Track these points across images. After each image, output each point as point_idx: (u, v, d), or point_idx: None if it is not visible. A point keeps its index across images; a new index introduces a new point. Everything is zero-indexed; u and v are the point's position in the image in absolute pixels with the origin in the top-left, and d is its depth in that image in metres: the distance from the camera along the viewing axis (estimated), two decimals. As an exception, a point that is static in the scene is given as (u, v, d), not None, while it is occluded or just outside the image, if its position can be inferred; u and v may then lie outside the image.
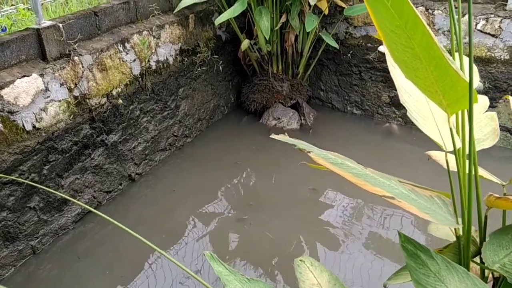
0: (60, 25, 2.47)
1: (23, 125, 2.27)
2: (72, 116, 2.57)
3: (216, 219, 2.89)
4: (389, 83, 4.09)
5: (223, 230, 2.79)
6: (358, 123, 4.33)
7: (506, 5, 3.22)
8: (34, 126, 2.33)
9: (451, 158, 1.07)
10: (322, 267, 1.13)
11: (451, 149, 1.04)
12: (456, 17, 0.90)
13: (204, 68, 3.78)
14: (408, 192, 0.94)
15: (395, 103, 4.14)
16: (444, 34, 3.54)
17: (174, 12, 3.30)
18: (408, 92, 1.21)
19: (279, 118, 4.15)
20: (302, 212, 2.89)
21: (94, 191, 2.85)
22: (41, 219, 2.46)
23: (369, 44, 4.00)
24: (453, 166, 1.04)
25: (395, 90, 3.98)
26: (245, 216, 2.86)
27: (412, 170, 3.27)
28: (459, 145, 0.98)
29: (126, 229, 0.85)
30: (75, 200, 1.07)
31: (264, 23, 3.50)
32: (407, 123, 4.14)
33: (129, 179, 3.15)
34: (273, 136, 1.03)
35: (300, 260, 1.18)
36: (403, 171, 3.28)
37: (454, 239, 1.01)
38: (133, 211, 2.92)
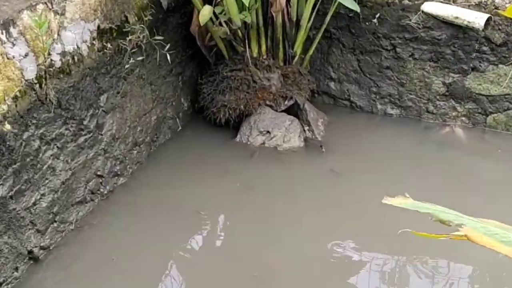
0: None
1: None
2: None
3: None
4: (443, 61, 4.49)
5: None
6: (396, 130, 4.70)
7: None
8: None
9: None
10: None
11: None
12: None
13: (138, 58, 4.00)
14: None
15: (456, 93, 4.54)
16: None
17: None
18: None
19: (268, 132, 4.46)
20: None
21: (-30, 287, 3.02)
22: None
23: (406, 1, 4.43)
24: None
25: (455, 71, 4.46)
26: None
27: (503, 204, 3.67)
28: None
29: None
30: None
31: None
32: (478, 124, 4.58)
33: (30, 259, 3.27)
34: (386, 201, 1.28)
35: None
36: (489, 206, 3.59)
37: None
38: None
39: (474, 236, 1.12)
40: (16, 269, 3.25)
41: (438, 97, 4.61)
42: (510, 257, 1.06)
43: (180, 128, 4.72)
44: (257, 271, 3.35)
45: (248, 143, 4.47)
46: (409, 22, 4.46)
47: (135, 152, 4.20)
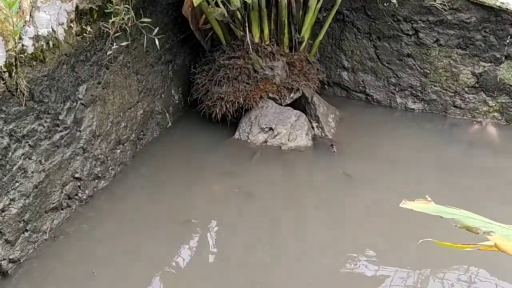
0: None
1: None
2: None
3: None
4: (472, 48, 4.39)
5: None
6: (418, 127, 4.60)
7: None
8: None
9: None
10: None
11: None
12: None
13: (122, 43, 3.91)
14: None
15: (487, 85, 4.44)
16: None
17: None
18: None
19: (271, 129, 4.38)
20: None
21: None
22: None
23: (430, -21, 4.33)
24: None
25: (486, 60, 4.41)
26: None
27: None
28: None
29: None
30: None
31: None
32: (511, 121, 4.50)
33: None
34: (404, 205, 1.26)
35: None
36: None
37: None
38: None
39: (505, 245, 1.08)
40: (-20, 285, 3.19)
41: (466, 89, 4.54)
42: None
43: (170, 124, 4.65)
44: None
45: (248, 141, 4.39)
46: (433, 3, 4.37)
47: (118, 151, 4.12)
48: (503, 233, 1.11)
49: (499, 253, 1.09)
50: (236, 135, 4.47)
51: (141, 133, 4.39)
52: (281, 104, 4.51)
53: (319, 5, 4.43)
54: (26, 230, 3.43)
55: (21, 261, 3.39)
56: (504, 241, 1.09)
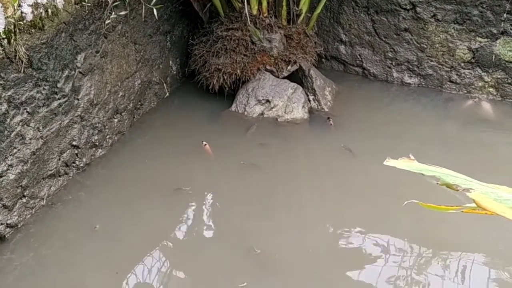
0: None
1: None
2: None
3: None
4: (469, 23, 4.40)
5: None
6: (414, 101, 4.64)
7: None
8: None
9: None
10: None
11: None
12: None
13: (121, 12, 3.94)
14: None
15: (483, 61, 4.46)
16: None
17: None
18: None
19: (268, 101, 4.42)
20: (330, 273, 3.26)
21: None
22: None
23: (428, -47, 4.35)
24: None
25: (483, 35, 4.43)
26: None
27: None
28: None
29: None
30: None
31: None
32: (507, 97, 4.50)
33: None
34: (388, 162, 1.29)
35: None
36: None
37: None
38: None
39: (483, 202, 1.13)
40: (-21, 248, 3.25)
41: (462, 64, 4.57)
42: None
43: (167, 94, 4.71)
44: (254, 255, 3.30)
45: (245, 113, 4.44)
46: (431, -23, 4.41)
47: (115, 120, 4.17)
48: (482, 190, 1.15)
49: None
50: (233, 107, 4.51)
51: (139, 103, 4.44)
52: (278, 77, 4.54)
53: (317, -22, 4.43)
54: (24, 196, 3.47)
55: (19, 226, 3.44)
56: (482, 198, 1.13)
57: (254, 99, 4.45)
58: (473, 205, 1.17)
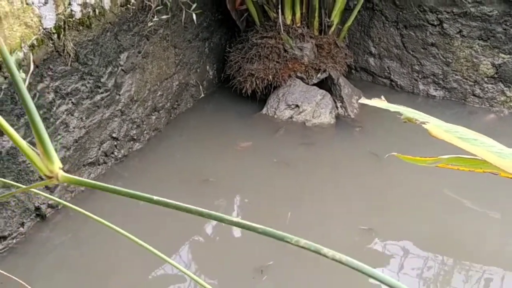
0: None
1: None
2: None
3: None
4: (493, 40, 4.56)
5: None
6: (438, 113, 4.60)
7: None
8: None
9: None
10: None
11: None
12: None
13: (163, 16, 4.20)
14: None
15: (506, 76, 4.61)
16: None
17: None
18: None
19: (297, 106, 4.62)
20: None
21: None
22: None
23: (455, -28, 4.51)
24: None
25: (506, 52, 4.52)
26: None
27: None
28: None
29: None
30: None
31: None
32: None
33: (37, 216, 3.50)
34: (363, 100, 1.43)
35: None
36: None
37: None
38: (42, 275, 3.24)
39: (435, 131, 1.27)
40: (22, 224, 3.45)
41: (486, 79, 4.71)
42: (466, 151, 1.18)
43: (202, 95, 4.93)
44: (274, 255, 3.33)
45: (275, 116, 4.64)
46: (458, -6, 4.55)
47: (153, 117, 4.41)
48: (436, 123, 1.30)
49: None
50: (264, 110, 4.72)
51: (176, 103, 4.67)
52: (308, 84, 4.74)
53: (349, -8, 4.65)
54: (65, 180, 3.72)
55: (59, 207, 3.65)
56: (435, 128, 1.28)
57: (284, 104, 4.65)
58: (449, 156, 1.24)
